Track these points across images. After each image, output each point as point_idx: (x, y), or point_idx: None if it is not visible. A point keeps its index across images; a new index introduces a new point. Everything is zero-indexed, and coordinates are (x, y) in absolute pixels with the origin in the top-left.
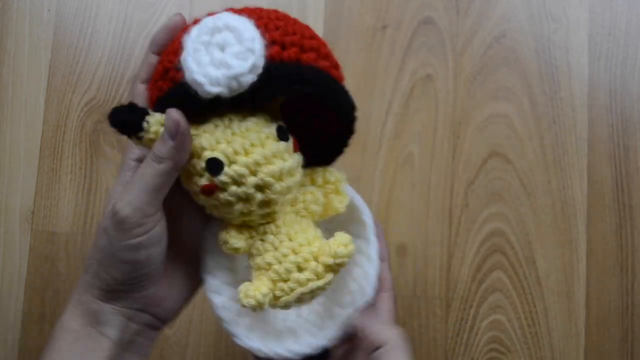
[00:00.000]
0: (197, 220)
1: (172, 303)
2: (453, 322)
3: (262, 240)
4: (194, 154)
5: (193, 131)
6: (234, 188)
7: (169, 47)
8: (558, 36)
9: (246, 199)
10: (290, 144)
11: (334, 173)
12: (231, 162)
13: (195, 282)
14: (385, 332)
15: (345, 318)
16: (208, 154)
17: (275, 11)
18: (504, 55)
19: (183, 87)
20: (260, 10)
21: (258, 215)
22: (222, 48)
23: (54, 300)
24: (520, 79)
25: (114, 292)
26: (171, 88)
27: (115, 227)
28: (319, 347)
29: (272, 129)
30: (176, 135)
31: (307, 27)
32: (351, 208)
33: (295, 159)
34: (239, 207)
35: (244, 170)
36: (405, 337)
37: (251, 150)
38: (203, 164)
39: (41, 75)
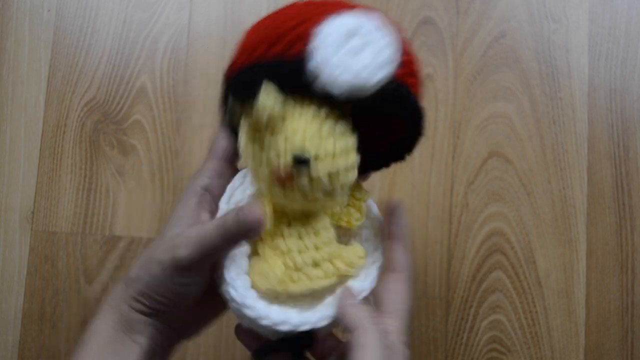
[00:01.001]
0: None
1: (198, 325)
2: (453, 322)
3: (289, 225)
4: (283, 137)
5: (285, 112)
6: (308, 185)
7: (276, 20)
8: (558, 36)
9: (307, 197)
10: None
11: (362, 191)
12: (317, 160)
13: (221, 306)
14: (358, 315)
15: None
16: (295, 148)
17: (409, 43)
18: (504, 55)
19: (297, 68)
20: (392, 23)
21: (301, 207)
22: (356, 54)
23: (54, 300)
24: (520, 79)
25: (152, 309)
26: (279, 61)
27: (174, 266)
28: (311, 323)
29: (346, 125)
30: (251, 226)
31: (407, 40)
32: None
33: (357, 157)
34: (298, 198)
35: (326, 175)
36: (382, 327)
37: (338, 159)
38: (290, 158)
39: (41, 75)
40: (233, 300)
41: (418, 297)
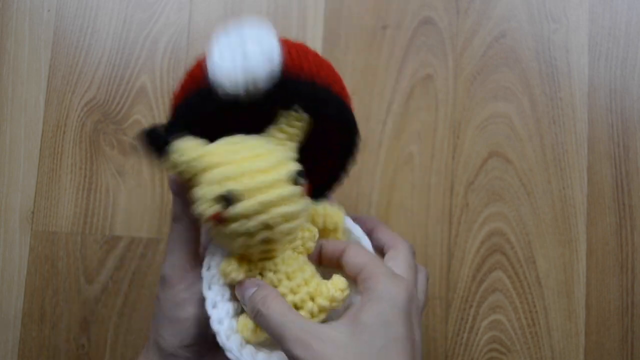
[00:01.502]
0: None
1: None
2: (453, 322)
3: (261, 275)
4: (210, 181)
5: (213, 148)
6: (240, 223)
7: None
8: (558, 36)
9: (250, 234)
10: (300, 188)
11: (334, 217)
12: (242, 198)
13: None
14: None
15: None
16: (225, 186)
17: (303, 45)
18: (504, 55)
19: (204, 92)
20: (287, 39)
21: (259, 250)
22: (245, 53)
23: (54, 300)
24: (520, 79)
25: (168, 356)
26: (188, 96)
27: (162, 287)
28: None
29: (290, 170)
30: (180, 193)
31: (328, 63)
32: (347, 235)
33: (305, 204)
34: (241, 240)
35: (256, 208)
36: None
37: (267, 190)
38: (217, 193)
39: (41, 75)
40: (229, 351)
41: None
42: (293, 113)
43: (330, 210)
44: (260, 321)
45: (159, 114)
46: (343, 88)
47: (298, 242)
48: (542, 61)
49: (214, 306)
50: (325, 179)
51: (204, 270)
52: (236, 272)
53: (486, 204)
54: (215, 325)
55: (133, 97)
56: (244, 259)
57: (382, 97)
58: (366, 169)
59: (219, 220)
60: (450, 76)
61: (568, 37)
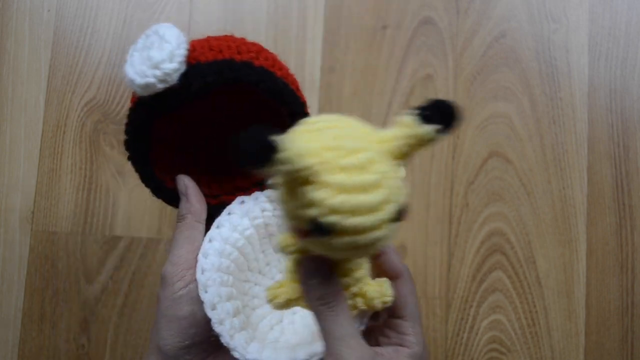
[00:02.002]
0: None
1: None
2: (453, 322)
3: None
4: (307, 201)
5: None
6: (325, 247)
7: None
8: (558, 36)
9: (332, 254)
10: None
11: (382, 299)
12: (336, 236)
13: None
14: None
15: None
16: (317, 215)
17: (233, 38)
18: (504, 55)
19: (140, 102)
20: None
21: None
22: (149, 49)
23: (54, 300)
24: (520, 79)
25: (169, 358)
26: (128, 112)
27: (162, 286)
28: (313, 354)
29: (393, 208)
30: (185, 192)
31: (255, 45)
32: None
33: (395, 231)
34: (320, 252)
35: (348, 246)
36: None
37: (365, 232)
38: (311, 217)
39: (41, 75)
40: (234, 350)
41: (418, 297)
42: (431, 132)
43: (385, 288)
44: (320, 318)
45: None
46: (271, 62)
47: (354, 289)
48: (542, 61)
49: (213, 308)
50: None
51: (198, 274)
52: (295, 253)
53: (486, 204)
54: (216, 327)
55: None
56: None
57: (382, 97)
58: None
59: (304, 236)
60: (450, 76)
61: (568, 37)
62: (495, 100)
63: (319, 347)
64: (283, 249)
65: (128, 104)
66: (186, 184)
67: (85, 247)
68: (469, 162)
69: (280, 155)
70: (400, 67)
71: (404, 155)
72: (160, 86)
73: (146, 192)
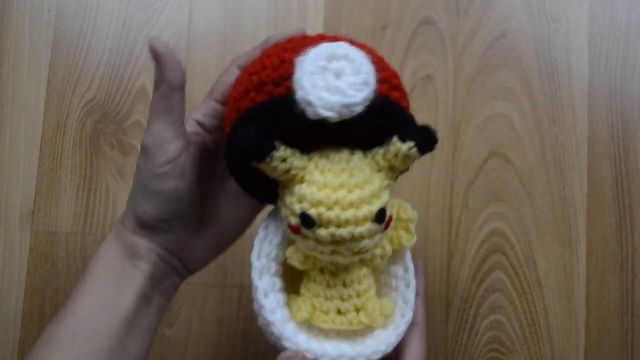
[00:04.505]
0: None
1: (200, 254)
2: (453, 323)
3: (321, 271)
4: (295, 195)
5: (317, 162)
6: (314, 243)
7: (258, 64)
8: (558, 36)
9: (320, 252)
10: (384, 224)
11: (407, 210)
12: (322, 226)
13: (224, 241)
14: None
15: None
16: (305, 208)
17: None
18: (504, 55)
19: (286, 102)
20: (365, 46)
21: (326, 259)
22: (339, 76)
23: (54, 300)
24: (520, 79)
25: (147, 227)
26: (267, 101)
27: (143, 158)
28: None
29: (373, 209)
30: (158, 58)
31: (382, 59)
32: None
33: (383, 236)
34: (311, 250)
35: (328, 238)
36: None
37: (349, 225)
38: (298, 211)
39: (41, 75)
40: (272, 333)
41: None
42: (405, 150)
43: (405, 205)
44: None
45: None
46: (404, 93)
47: (367, 255)
48: (542, 61)
49: (266, 296)
50: None
51: (254, 259)
52: (299, 263)
53: (486, 204)
54: (269, 315)
55: (133, 97)
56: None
57: None
58: None
59: (296, 231)
60: (450, 76)
61: (568, 37)
62: (495, 100)
63: (364, 348)
64: (290, 260)
65: (128, 104)
66: (158, 49)
67: (85, 247)
68: (469, 162)
69: (277, 153)
70: (400, 67)
71: (389, 168)
72: (336, 120)
73: None
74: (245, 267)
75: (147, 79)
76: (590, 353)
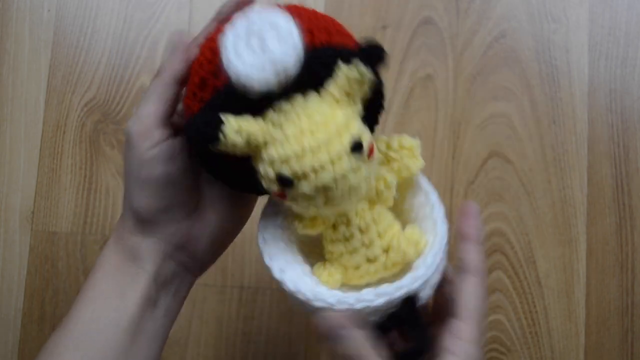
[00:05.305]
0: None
1: (207, 244)
2: None
3: (334, 227)
4: (267, 162)
5: (264, 125)
6: (304, 201)
7: (196, 62)
8: (558, 36)
9: (316, 207)
10: (365, 153)
11: (408, 139)
12: (301, 179)
13: (229, 228)
14: (449, 341)
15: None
16: (278, 169)
17: (300, 6)
18: (504, 55)
19: (229, 90)
20: (288, 5)
21: (328, 213)
22: (262, 39)
23: (54, 300)
24: (520, 79)
25: (147, 222)
26: (214, 96)
27: (127, 146)
28: (395, 295)
29: (345, 143)
30: (176, 46)
31: (327, 17)
32: (423, 195)
33: (370, 166)
34: (310, 211)
35: (313, 191)
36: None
37: (321, 170)
38: (274, 175)
39: (41, 75)
40: (304, 300)
41: None
42: (354, 73)
43: (405, 135)
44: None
45: None
46: (350, 37)
47: (372, 193)
48: (542, 61)
49: (282, 271)
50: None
51: (260, 244)
52: (310, 229)
53: (486, 204)
54: (293, 285)
55: (133, 97)
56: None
57: None
58: None
59: (283, 197)
60: (450, 76)
61: (568, 37)
62: (495, 100)
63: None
64: (299, 230)
65: (128, 104)
66: (179, 39)
67: (85, 247)
68: (469, 162)
69: (227, 127)
70: (400, 67)
71: (349, 97)
72: (278, 86)
73: None
74: (245, 268)
75: (147, 79)
76: (590, 353)
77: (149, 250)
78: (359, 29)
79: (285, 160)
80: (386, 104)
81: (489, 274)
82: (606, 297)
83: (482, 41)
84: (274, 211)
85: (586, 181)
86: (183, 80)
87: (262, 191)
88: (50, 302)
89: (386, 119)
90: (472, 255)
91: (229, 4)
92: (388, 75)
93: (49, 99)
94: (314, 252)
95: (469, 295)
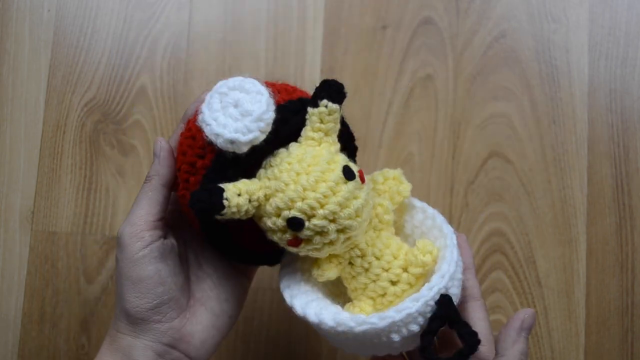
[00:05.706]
0: (215, 259)
1: (201, 341)
2: None
3: (351, 263)
4: (273, 213)
5: (260, 182)
6: (318, 238)
7: (179, 153)
8: (558, 36)
9: (330, 242)
10: (358, 178)
11: (390, 170)
12: (310, 217)
13: (221, 323)
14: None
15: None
16: (286, 215)
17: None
18: (504, 55)
19: (218, 161)
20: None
21: (342, 247)
22: (238, 105)
23: (53, 300)
24: (520, 79)
25: (139, 322)
26: (205, 175)
27: (119, 246)
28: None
29: (338, 171)
30: (159, 154)
31: (276, 83)
32: (428, 219)
33: (365, 190)
34: (325, 249)
35: (324, 223)
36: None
37: (325, 201)
38: (284, 223)
39: (41, 75)
40: (342, 332)
41: None
42: (322, 109)
43: (384, 169)
44: None
45: (159, 114)
46: (305, 92)
47: (375, 220)
48: (542, 61)
49: (307, 305)
50: None
51: (283, 289)
52: (329, 271)
53: (486, 204)
54: (313, 318)
55: (133, 97)
56: (330, 255)
57: (382, 97)
58: (366, 169)
59: (297, 243)
60: (450, 76)
61: (568, 37)
62: (495, 100)
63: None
64: (320, 277)
65: (128, 104)
66: (162, 146)
67: (85, 247)
68: (469, 162)
69: (228, 192)
70: (400, 67)
71: (326, 135)
72: (262, 138)
73: None
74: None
75: (147, 79)
76: (590, 353)
77: (144, 350)
78: (359, 29)
79: (291, 204)
80: (386, 104)
81: (489, 274)
82: (606, 297)
83: (482, 41)
84: (293, 269)
85: (586, 181)
86: (171, 184)
87: (271, 256)
88: (50, 302)
89: (386, 119)
90: (471, 282)
91: (193, 106)
92: (388, 75)
93: (49, 99)
94: (338, 300)
95: (481, 322)
